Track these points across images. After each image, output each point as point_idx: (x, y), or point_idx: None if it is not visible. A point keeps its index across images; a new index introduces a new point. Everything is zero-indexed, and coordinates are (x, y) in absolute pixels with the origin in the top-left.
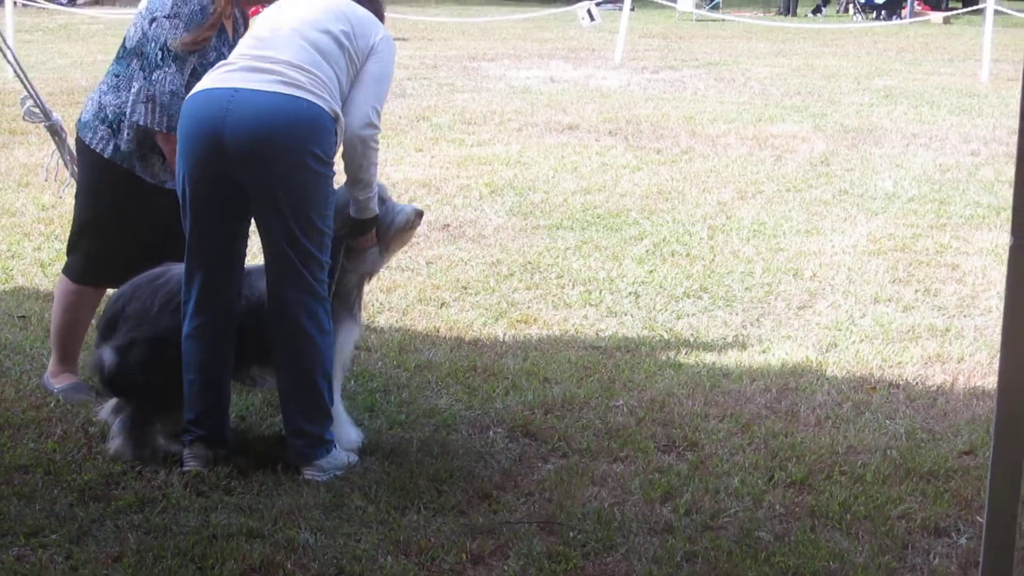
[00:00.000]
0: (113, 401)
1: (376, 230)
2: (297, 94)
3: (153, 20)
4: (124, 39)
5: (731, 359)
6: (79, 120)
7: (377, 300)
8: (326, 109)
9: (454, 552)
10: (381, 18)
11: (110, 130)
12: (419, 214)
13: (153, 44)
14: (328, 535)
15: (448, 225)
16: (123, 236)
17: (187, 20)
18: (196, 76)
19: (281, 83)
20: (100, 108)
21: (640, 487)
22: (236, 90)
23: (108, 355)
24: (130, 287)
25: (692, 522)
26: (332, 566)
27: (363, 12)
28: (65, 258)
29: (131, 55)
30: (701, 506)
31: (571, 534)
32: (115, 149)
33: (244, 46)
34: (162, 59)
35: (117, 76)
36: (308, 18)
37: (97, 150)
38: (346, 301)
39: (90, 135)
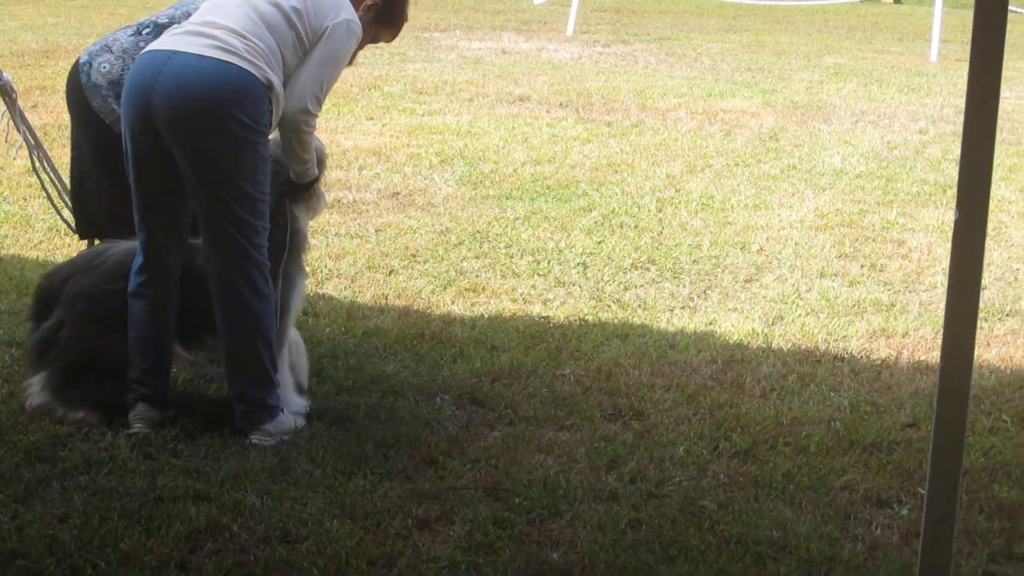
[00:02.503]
0: (41, 376)
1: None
2: (228, 59)
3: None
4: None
5: (678, 330)
6: (87, 74)
7: (326, 267)
8: (258, 76)
9: (400, 517)
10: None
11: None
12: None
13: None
14: (274, 498)
15: (398, 193)
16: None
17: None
18: None
19: (215, 48)
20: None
21: (586, 455)
22: (173, 52)
23: (43, 333)
24: (69, 264)
25: (637, 490)
26: (278, 529)
27: None
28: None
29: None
30: (646, 474)
31: (517, 500)
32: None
33: (197, 13)
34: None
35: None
36: None
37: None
38: (299, 255)
39: (99, 102)
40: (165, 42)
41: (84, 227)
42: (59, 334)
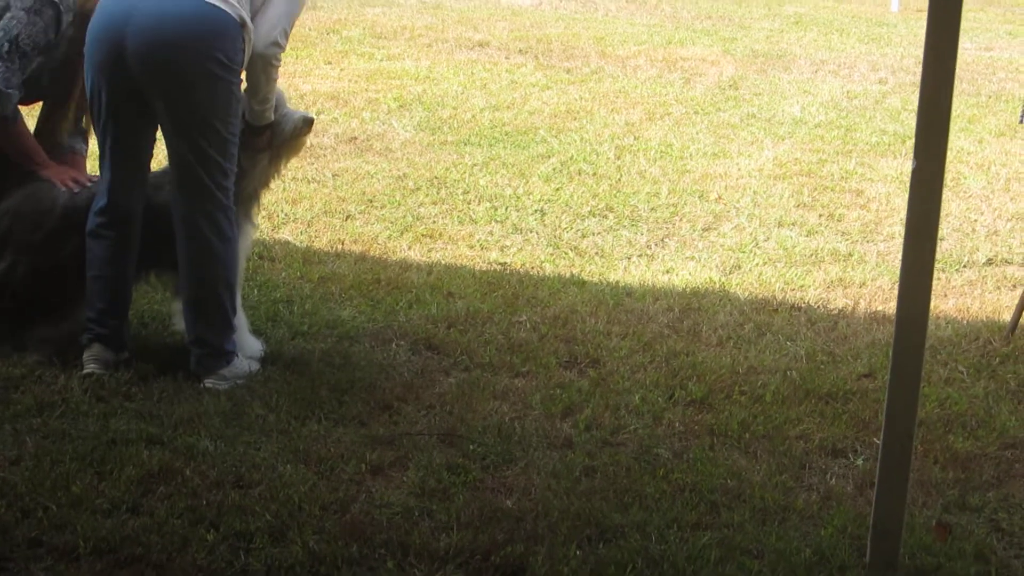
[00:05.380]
0: None
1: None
2: None
3: (10, 6)
4: None
5: (635, 278)
6: None
7: (282, 211)
8: (232, 14)
9: (354, 462)
10: None
11: None
12: (308, 121)
13: (2, 34)
14: (228, 443)
15: (356, 138)
16: None
17: (45, 26)
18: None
19: None
20: None
21: (541, 402)
22: None
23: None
24: (12, 206)
25: (592, 438)
26: (231, 473)
27: None
28: None
29: None
30: (601, 422)
31: (471, 447)
32: None
33: None
34: (8, 52)
35: None
36: None
37: None
38: (245, 206)
39: None
40: None
41: None
42: (10, 276)
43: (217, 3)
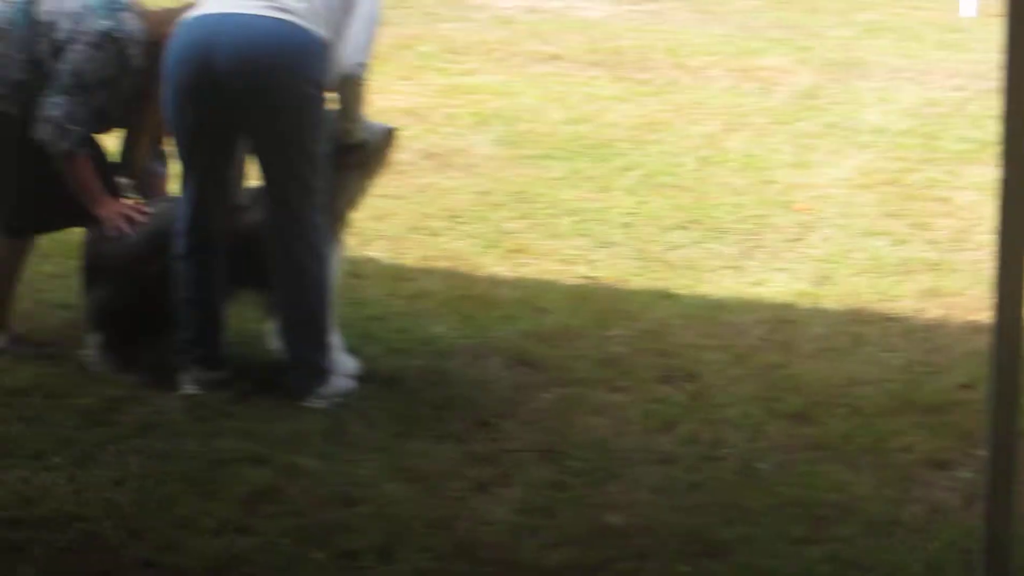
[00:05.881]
0: (96, 336)
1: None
2: (289, 18)
3: (73, 40)
4: (36, 0)
5: (725, 291)
6: None
7: (369, 228)
8: (317, 35)
9: (457, 479)
10: None
11: None
12: (391, 132)
13: (67, 67)
14: (330, 461)
15: (436, 154)
16: (27, 176)
17: (108, 60)
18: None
19: (272, 8)
20: None
21: (639, 417)
22: (226, 14)
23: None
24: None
25: (693, 452)
26: (336, 492)
27: None
28: None
29: (40, 28)
30: (701, 437)
31: (572, 463)
32: None
33: None
34: (71, 87)
35: (11, 26)
36: None
37: None
38: (335, 225)
39: None
40: (213, 5)
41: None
42: (108, 302)
43: (304, 23)
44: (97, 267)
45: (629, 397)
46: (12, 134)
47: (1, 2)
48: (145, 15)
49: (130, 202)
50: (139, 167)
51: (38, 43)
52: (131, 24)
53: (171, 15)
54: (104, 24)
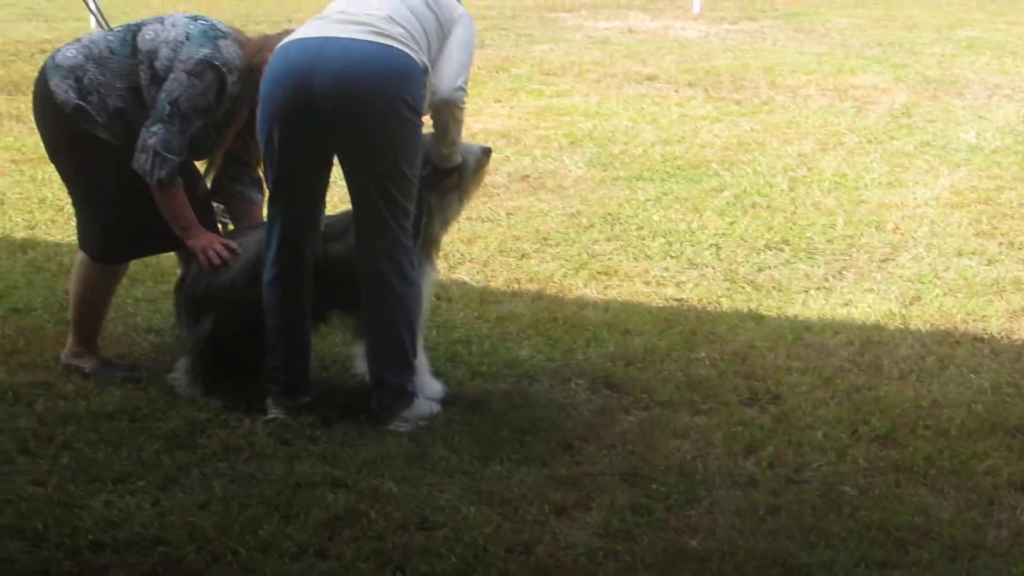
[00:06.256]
0: (184, 360)
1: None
2: (388, 43)
3: (172, 68)
4: (139, 27)
5: (813, 312)
6: (52, 59)
7: (458, 251)
8: (416, 60)
9: (537, 503)
10: None
11: (77, 88)
12: (487, 152)
13: (165, 95)
14: (411, 485)
15: (528, 176)
16: (123, 203)
17: (205, 88)
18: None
19: (373, 33)
20: (81, 69)
21: (723, 440)
22: (327, 38)
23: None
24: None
25: (775, 476)
26: (416, 516)
27: None
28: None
29: (141, 56)
30: (784, 459)
31: (654, 486)
32: (77, 108)
33: (333, 7)
34: (169, 115)
35: (113, 53)
36: None
37: (59, 99)
38: (428, 249)
39: (58, 80)
40: (312, 30)
41: (113, 252)
42: (211, 335)
43: (403, 48)
44: (191, 293)
45: (713, 420)
46: (110, 161)
47: (102, 29)
48: (243, 42)
49: (220, 233)
50: (230, 193)
51: (138, 71)
52: (229, 52)
53: (268, 42)
54: (203, 52)
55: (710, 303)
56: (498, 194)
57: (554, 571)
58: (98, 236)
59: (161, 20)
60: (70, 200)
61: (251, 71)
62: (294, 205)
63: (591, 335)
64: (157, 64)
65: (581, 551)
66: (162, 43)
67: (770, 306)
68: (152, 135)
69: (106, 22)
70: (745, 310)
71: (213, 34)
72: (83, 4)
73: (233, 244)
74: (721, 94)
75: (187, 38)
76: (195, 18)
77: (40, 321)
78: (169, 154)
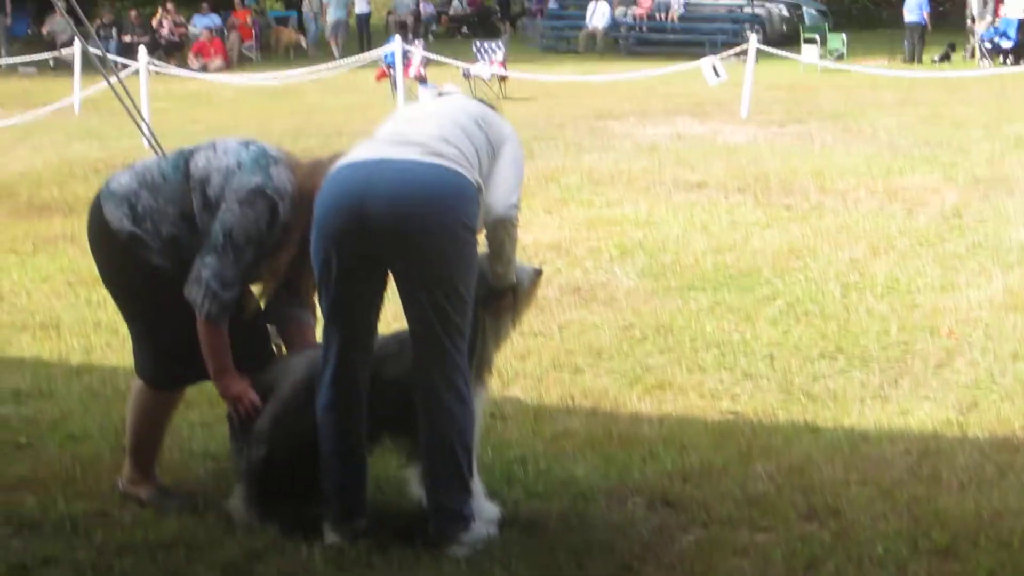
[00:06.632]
0: (240, 487)
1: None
2: (442, 163)
3: (224, 197)
4: (191, 153)
5: (870, 421)
6: (106, 187)
7: (511, 367)
8: (471, 179)
9: None
10: None
11: (131, 215)
12: (539, 273)
13: (218, 226)
14: None
15: (579, 289)
16: (178, 329)
17: (257, 217)
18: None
19: (427, 153)
20: (134, 195)
21: (782, 558)
22: (380, 160)
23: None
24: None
25: None
26: None
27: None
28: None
29: (193, 182)
30: (845, 575)
31: None
32: (132, 235)
33: (385, 129)
34: (222, 246)
35: (165, 179)
36: (444, 106)
37: (114, 227)
38: (481, 369)
39: (112, 207)
40: (365, 152)
41: (169, 378)
42: (264, 461)
43: (457, 168)
44: (247, 419)
45: (772, 537)
46: (165, 288)
47: (156, 152)
48: (294, 167)
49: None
50: (281, 314)
51: (190, 197)
52: (281, 179)
53: (320, 166)
54: (255, 181)
55: (766, 415)
56: (550, 308)
57: None
58: (153, 362)
59: (213, 147)
60: (125, 324)
61: (303, 196)
62: (350, 328)
63: (647, 451)
64: (209, 191)
65: None
66: (214, 170)
67: (826, 417)
68: (206, 267)
69: (159, 145)
70: (801, 422)
71: (264, 161)
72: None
73: (258, 403)
74: (771, 199)
75: (239, 166)
76: (247, 144)
77: (97, 448)
78: (222, 289)
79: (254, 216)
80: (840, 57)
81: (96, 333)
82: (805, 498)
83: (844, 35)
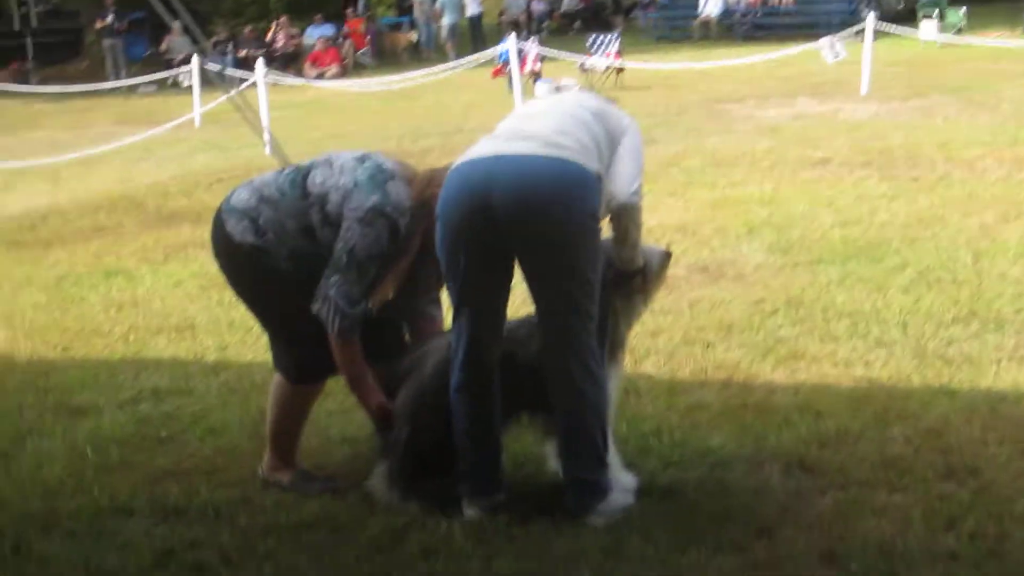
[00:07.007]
0: (381, 467)
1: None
2: (562, 155)
3: (344, 216)
4: (308, 170)
5: (1007, 383)
6: (227, 202)
7: (643, 345)
8: (590, 169)
9: None
10: None
11: (253, 228)
12: (668, 255)
13: (341, 245)
14: None
15: (707, 267)
16: (314, 326)
17: (378, 235)
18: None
19: (546, 146)
20: (255, 210)
21: (921, 516)
22: (499, 156)
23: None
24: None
25: (977, 549)
26: None
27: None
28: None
29: (312, 199)
30: (985, 533)
31: (853, 566)
32: (255, 247)
33: (503, 126)
34: (346, 264)
35: (283, 195)
36: (561, 102)
37: (237, 240)
38: (615, 350)
39: (234, 223)
40: (484, 148)
41: (309, 373)
42: (402, 443)
43: (576, 159)
44: (386, 426)
45: (911, 497)
46: (296, 291)
47: (272, 172)
48: (410, 178)
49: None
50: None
51: (310, 213)
52: (398, 194)
53: (436, 176)
54: (372, 200)
55: (900, 381)
56: (679, 286)
57: None
58: (293, 359)
59: (329, 163)
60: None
61: (422, 206)
62: (478, 314)
63: (782, 419)
64: (328, 208)
65: None
66: (332, 188)
67: (962, 380)
68: (332, 286)
69: (282, 151)
70: (937, 385)
71: (381, 178)
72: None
73: (391, 415)
74: (896, 172)
75: (355, 185)
76: (362, 159)
77: (236, 440)
78: (350, 307)
79: (374, 235)
80: (959, 31)
81: (230, 332)
82: (943, 459)
83: (962, 9)
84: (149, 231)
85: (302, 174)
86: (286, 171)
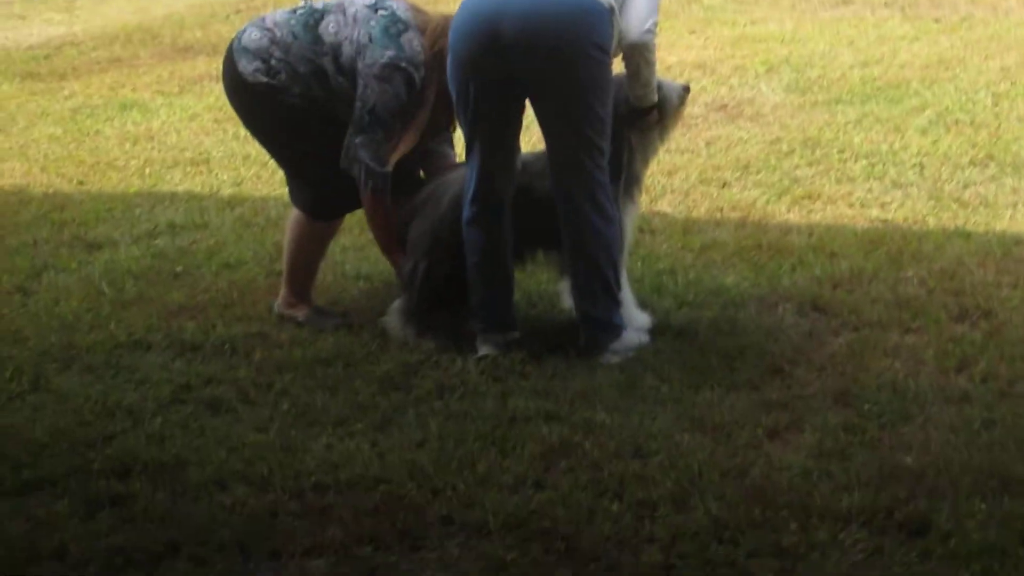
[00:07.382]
0: (398, 302)
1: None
2: None
3: (360, 72)
4: (321, 15)
5: (1022, 226)
6: (238, 41)
7: (659, 183)
8: (603, 2)
9: (749, 427)
10: None
11: (265, 68)
12: (687, 90)
13: (360, 104)
14: (624, 414)
15: (726, 105)
16: (331, 161)
17: (396, 92)
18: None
19: None
20: (266, 52)
21: (934, 357)
22: None
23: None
24: (408, 210)
25: (989, 390)
26: (629, 444)
27: None
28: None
29: (325, 47)
30: (997, 374)
31: (866, 406)
32: (268, 86)
33: None
34: (369, 124)
35: (295, 38)
36: None
37: (249, 80)
38: (630, 186)
39: (245, 63)
40: None
41: (327, 209)
42: (415, 276)
43: None
44: (404, 238)
45: (923, 338)
46: (312, 125)
47: (283, 11)
48: (424, 27)
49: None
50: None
51: (322, 60)
52: (413, 47)
53: (451, 24)
54: (388, 55)
55: (916, 222)
56: (696, 124)
57: (769, 492)
58: (311, 194)
59: (343, 9)
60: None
61: (436, 55)
62: (489, 147)
63: (796, 260)
64: (342, 60)
65: (796, 472)
66: (345, 40)
67: (977, 222)
68: (358, 146)
69: None
70: (952, 228)
71: (395, 30)
72: None
73: None
74: (919, 13)
75: (370, 39)
76: (375, 7)
77: (252, 275)
78: (379, 165)
79: (392, 91)
80: None
81: (245, 166)
82: (956, 300)
83: None
84: (164, 63)
85: (315, 18)
86: (298, 11)
